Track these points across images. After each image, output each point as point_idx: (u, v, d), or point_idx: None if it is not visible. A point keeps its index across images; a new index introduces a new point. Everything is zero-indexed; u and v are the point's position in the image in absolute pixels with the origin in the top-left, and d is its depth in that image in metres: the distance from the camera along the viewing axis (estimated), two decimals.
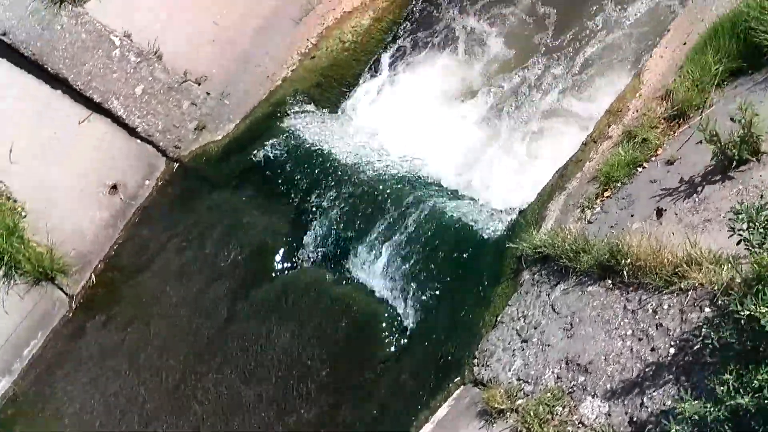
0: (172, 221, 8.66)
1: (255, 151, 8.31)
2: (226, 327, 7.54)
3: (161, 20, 9.14)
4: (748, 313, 3.36)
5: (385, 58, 8.80)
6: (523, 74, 7.98)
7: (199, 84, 8.97)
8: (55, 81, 9.09)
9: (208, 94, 8.94)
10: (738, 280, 4.04)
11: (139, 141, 8.99)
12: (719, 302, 4.10)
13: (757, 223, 3.78)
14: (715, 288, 4.18)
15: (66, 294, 8.59)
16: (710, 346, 3.77)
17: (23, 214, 8.74)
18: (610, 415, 4.41)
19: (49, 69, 9.04)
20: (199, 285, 8.02)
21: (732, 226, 3.86)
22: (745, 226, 3.79)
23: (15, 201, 8.78)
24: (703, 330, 3.91)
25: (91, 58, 9.02)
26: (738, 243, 3.84)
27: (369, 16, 8.85)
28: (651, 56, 6.44)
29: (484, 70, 8.26)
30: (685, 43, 6.18)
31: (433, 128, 8.01)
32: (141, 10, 9.11)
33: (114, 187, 8.88)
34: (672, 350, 4.22)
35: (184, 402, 7.23)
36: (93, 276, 8.64)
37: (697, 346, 4.05)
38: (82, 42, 9.04)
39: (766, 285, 3.62)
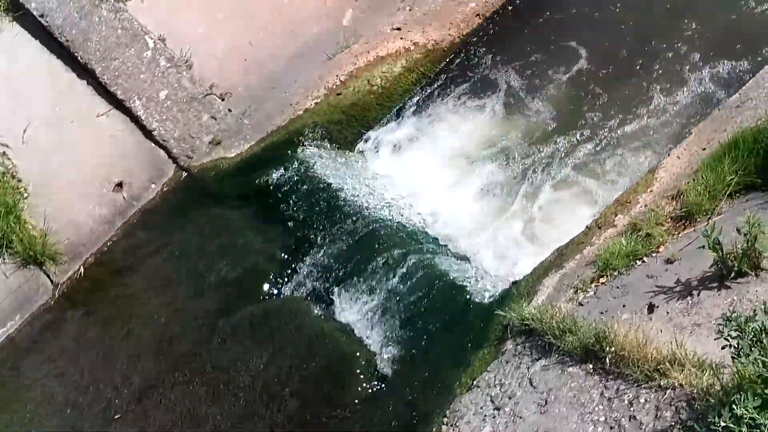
0: (169, 228, 8.67)
1: (264, 175, 8.35)
2: (203, 342, 7.49)
3: (198, 32, 9.30)
4: (724, 424, 3.37)
5: (411, 108, 8.86)
6: (550, 145, 8.01)
7: (223, 99, 9.07)
8: (82, 71, 9.17)
9: (229, 110, 9.03)
10: (717, 387, 4.06)
11: (152, 144, 9.04)
12: (696, 406, 4.11)
13: (744, 333, 3.81)
14: (694, 391, 4.19)
15: (51, 281, 8.56)
16: None
17: (25, 195, 8.75)
18: None
19: (79, 58, 9.13)
20: (184, 296, 8.00)
21: (721, 330, 3.89)
22: (733, 334, 3.81)
23: (19, 181, 8.80)
24: (676, 427, 3.92)
25: (122, 54, 9.12)
26: (723, 348, 3.86)
27: (401, 64, 8.96)
28: (669, 155, 6.53)
29: (511, 135, 8.29)
30: (704, 149, 6.27)
31: (447, 185, 8.07)
32: (180, 19, 9.26)
33: (119, 184, 8.92)
34: None
35: (148, 409, 7.17)
36: (82, 268, 8.62)
37: None
38: (116, 38, 9.15)
39: (745, 396, 3.63)
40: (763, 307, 3.82)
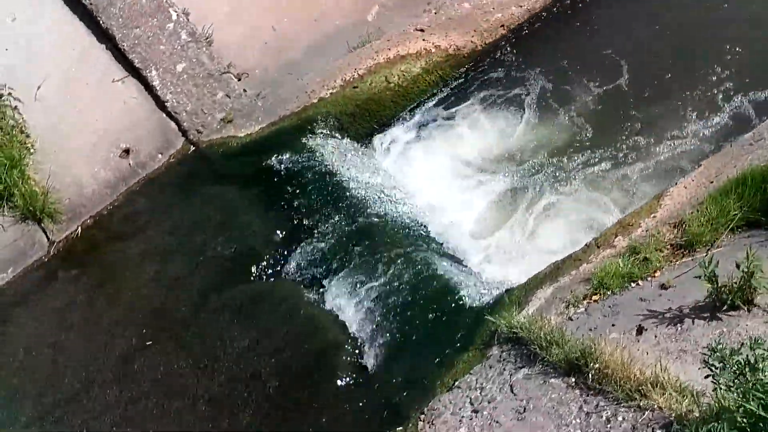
0: (171, 200, 8.67)
1: (271, 158, 8.35)
2: (192, 316, 7.50)
3: (223, 10, 9.36)
4: None
5: (426, 109, 8.89)
6: (566, 160, 8.06)
7: (239, 79, 9.09)
8: (103, 35, 9.22)
9: (244, 91, 9.05)
10: (696, 414, 4.08)
11: (164, 115, 9.04)
12: (672, 429, 4.12)
13: (728, 366, 3.83)
14: (672, 415, 4.21)
15: (48, 239, 8.54)
16: None
17: (31, 150, 8.76)
18: None
19: (101, 22, 9.18)
20: (177, 268, 8.00)
21: (706, 360, 3.91)
22: (717, 364, 3.83)
23: (27, 136, 8.81)
24: None
25: (144, 24, 9.17)
26: (706, 377, 3.88)
27: (421, 65, 8.98)
28: (676, 184, 6.55)
29: (527, 144, 8.35)
30: (712, 182, 6.30)
31: (454, 188, 8.11)
32: None
33: (126, 151, 8.92)
34: None
35: (130, 375, 7.17)
36: (79, 229, 8.61)
37: None
38: (140, 6, 9.21)
39: (722, 426, 3.65)
40: (749, 342, 3.83)
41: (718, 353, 3.89)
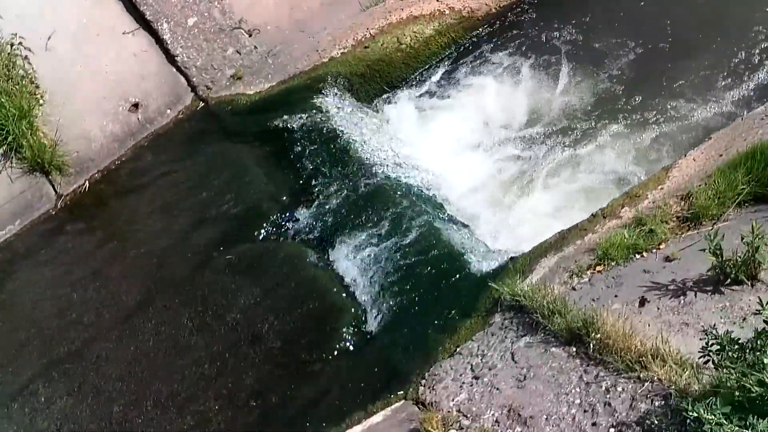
0: (179, 156, 8.68)
1: (280, 117, 8.33)
2: (196, 272, 7.54)
3: None
4: (695, 415, 3.40)
5: (438, 72, 8.83)
6: (580, 125, 8.00)
7: (250, 35, 9.02)
8: None
9: (255, 47, 8.99)
10: (696, 387, 4.10)
11: (174, 69, 9.02)
12: (671, 402, 4.14)
13: (726, 351, 3.85)
14: (672, 387, 4.23)
15: (55, 192, 8.58)
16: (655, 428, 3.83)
17: (41, 102, 8.73)
18: None
19: None
20: (183, 224, 8.04)
21: (705, 344, 3.93)
22: (715, 349, 3.85)
23: (37, 87, 8.78)
24: (648, 419, 3.96)
25: None
26: (706, 363, 3.90)
27: (433, 27, 8.91)
28: (685, 156, 6.51)
29: (542, 110, 8.29)
30: (721, 155, 6.26)
31: (464, 153, 8.07)
32: None
33: (135, 105, 8.90)
34: (612, 430, 4.26)
35: (134, 330, 7.22)
36: (87, 183, 8.64)
37: None
38: None
39: (716, 400, 3.66)
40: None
41: (715, 339, 3.91)
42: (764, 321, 3.75)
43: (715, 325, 4.07)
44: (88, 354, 7.20)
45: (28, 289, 7.93)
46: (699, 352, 4.04)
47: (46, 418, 6.85)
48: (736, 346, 3.81)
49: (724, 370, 3.81)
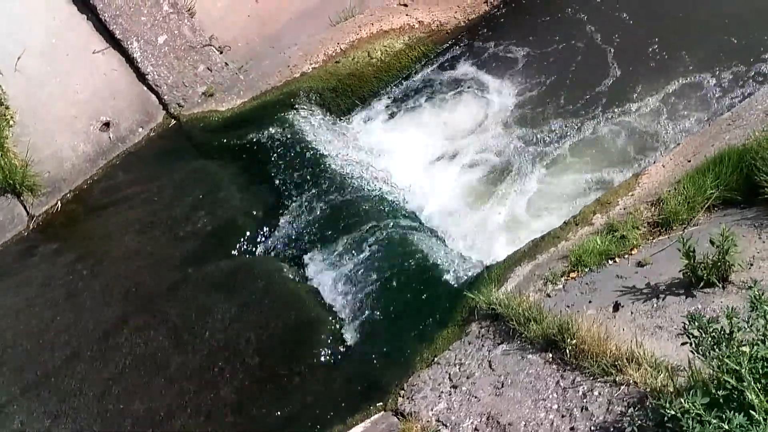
0: (151, 174, 8.65)
1: (253, 133, 8.37)
2: (171, 290, 7.49)
3: None
4: (672, 413, 3.45)
5: (408, 85, 8.92)
6: (549, 130, 8.09)
7: (221, 52, 9.06)
8: (83, 5, 9.11)
9: (226, 64, 9.02)
10: (671, 388, 4.15)
11: (144, 88, 9.02)
12: (647, 404, 4.19)
13: (705, 334, 3.88)
14: (648, 389, 4.28)
15: (27, 212, 8.53)
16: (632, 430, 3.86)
17: (11, 122, 8.69)
18: None
19: None
20: (157, 242, 8.00)
21: (685, 328, 3.95)
22: (696, 333, 3.88)
23: (7, 108, 8.74)
24: (626, 420, 4.00)
25: None
26: (683, 344, 3.93)
27: (403, 41, 8.99)
28: (654, 163, 6.60)
29: (509, 119, 8.36)
30: (689, 161, 6.35)
31: (437, 165, 8.13)
32: None
33: (106, 124, 8.89)
34: None
35: (110, 350, 7.16)
36: (59, 203, 8.60)
37: None
38: None
39: (694, 392, 3.71)
40: (726, 311, 3.87)
41: (696, 322, 3.94)
42: (751, 299, 3.78)
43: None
44: (64, 375, 7.12)
45: (1, 312, 7.84)
46: (679, 340, 4.04)
47: None
48: (714, 329, 3.84)
49: (702, 360, 3.84)
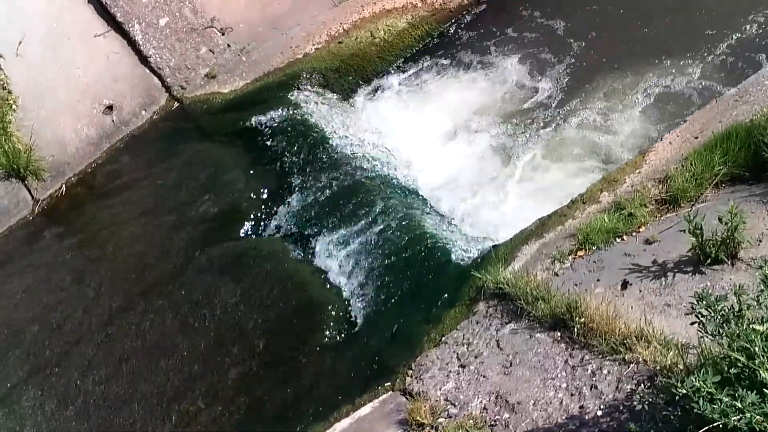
0: (155, 157, 8.65)
1: (256, 114, 8.34)
2: (177, 273, 7.51)
3: None
4: (684, 392, 3.43)
5: (412, 64, 8.85)
6: (555, 109, 8.01)
7: (223, 33, 9.01)
8: None
9: (228, 45, 8.97)
10: (681, 366, 4.13)
11: (147, 70, 8.99)
12: (657, 382, 4.17)
13: (714, 312, 3.85)
14: (657, 367, 4.26)
15: (32, 197, 8.54)
16: (643, 408, 3.85)
17: (14, 107, 8.68)
18: None
19: None
20: (162, 226, 8.01)
21: (693, 307, 3.93)
22: (704, 311, 3.85)
23: (9, 93, 8.74)
24: (635, 396, 3.99)
25: None
26: (692, 324, 3.91)
27: (406, 20, 8.92)
28: (661, 140, 6.55)
29: (515, 97, 8.30)
30: (696, 138, 6.29)
31: (442, 144, 8.07)
32: None
33: (110, 107, 8.86)
34: (599, 412, 4.28)
35: (116, 333, 7.19)
36: (64, 187, 8.59)
37: (625, 416, 4.12)
38: None
39: (705, 371, 3.68)
40: (734, 289, 3.85)
41: (704, 300, 3.92)
42: (764, 277, 3.75)
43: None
44: (72, 358, 7.15)
45: (8, 296, 7.87)
46: (687, 314, 4.02)
47: (32, 424, 6.79)
48: (723, 307, 3.81)
49: (711, 338, 3.82)
